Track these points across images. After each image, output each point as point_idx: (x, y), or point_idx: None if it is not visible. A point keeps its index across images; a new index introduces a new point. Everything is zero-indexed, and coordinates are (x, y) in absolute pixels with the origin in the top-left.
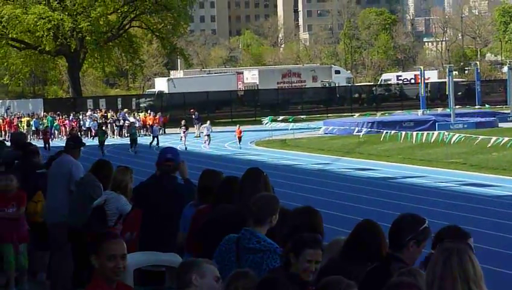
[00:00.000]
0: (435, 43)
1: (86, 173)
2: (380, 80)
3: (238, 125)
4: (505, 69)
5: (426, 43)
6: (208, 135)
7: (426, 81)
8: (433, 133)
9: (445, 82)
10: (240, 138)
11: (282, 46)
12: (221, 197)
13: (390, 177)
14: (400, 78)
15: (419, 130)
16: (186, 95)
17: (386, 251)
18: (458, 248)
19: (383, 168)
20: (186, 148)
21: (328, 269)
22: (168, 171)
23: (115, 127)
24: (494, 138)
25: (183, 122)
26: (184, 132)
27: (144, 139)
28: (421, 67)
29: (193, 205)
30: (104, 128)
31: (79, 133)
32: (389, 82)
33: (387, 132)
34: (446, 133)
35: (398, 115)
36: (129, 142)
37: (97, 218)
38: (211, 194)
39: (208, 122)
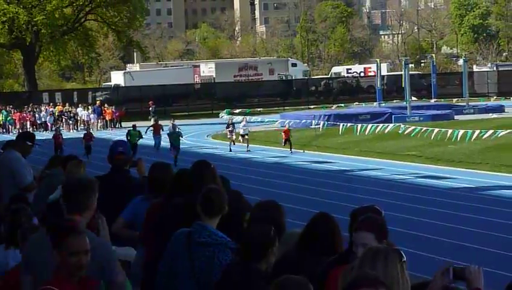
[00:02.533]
0: (391, 36)
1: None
2: (330, 73)
3: (287, 125)
4: (461, 61)
5: (382, 36)
6: (244, 136)
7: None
8: (388, 126)
9: (401, 74)
10: (286, 140)
11: (239, 39)
12: (174, 191)
13: (347, 170)
14: (349, 71)
15: (376, 123)
16: (143, 88)
17: (341, 244)
18: (386, 253)
19: (340, 161)
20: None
21: (284, 262)
22: (119, 165)
23: (70, 122)
24: (450, 131)
25: (229, 120)
26: (231, 132)
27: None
28: (377, 60)
29: (145, 198)
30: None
31: (34, 128)
32: (339, 75)
33: (343, 125)
34: (402, 126)
35: (355, 107)
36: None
37: (53, 213)
38: (161, 186)
39: (244, 119)
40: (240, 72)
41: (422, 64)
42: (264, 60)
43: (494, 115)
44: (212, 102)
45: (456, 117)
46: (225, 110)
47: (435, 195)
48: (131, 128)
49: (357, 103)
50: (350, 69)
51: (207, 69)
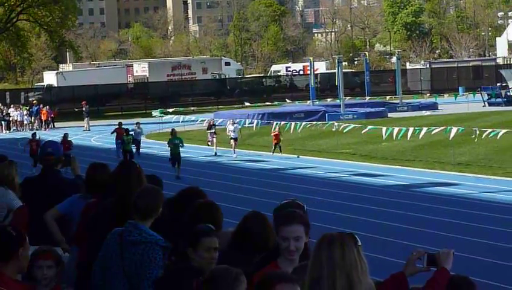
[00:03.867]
0: (324, 34)
1: None
2: (269, 71)
3: (276, 127)
4: (394, 59)
5: (316, 34)
6: (235, 139)
7: (316, 72)
8: (323, 124)
9: (335, 73)
10: (276, 144)
11: (172, 38)
12: (109, 191)
13: (281, 169)
14: (288, 69)
15: (310, 121)
16: (76, 88)
17: (274, 242)
18: (342, 238)
19: (274, 160)
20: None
21: (217, 260)
22: (49, 165)
23: (2, 123)
24: (383, 128)
25: (211, 121)
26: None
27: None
28: (311, 58)
29: (82, 197)
30: None
31: None
32: (279, 73)
33: (277, 123)
34: (336, 124)
35: (289, 106)
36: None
37: None
38: (97, 186)
39: (232, 121)
40: (173, 72)
41: (355, 62)
42: (197, 59)
43: (428, 113)
44: (145, 101)
45: (389, 115)
46: (158, 110)
47: (369, 193)
48: (124, 134)
49: (289, 101)
50: (289, 67)
51: (140, 69)
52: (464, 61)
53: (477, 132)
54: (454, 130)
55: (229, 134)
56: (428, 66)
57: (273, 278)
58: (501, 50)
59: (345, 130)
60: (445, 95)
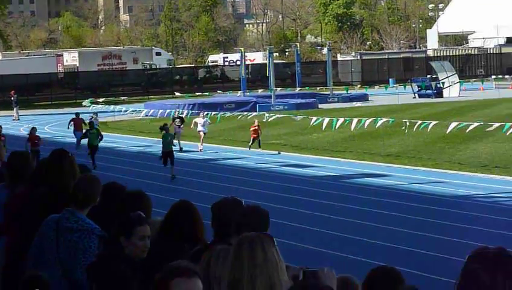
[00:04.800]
0: (255, 25)
1: None
2: (206, 61)
3: (255, 121)
4: (325, 50)
5: (247, 25)
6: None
7: (251, 62)
8: (253, 115)
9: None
10: (255, 139)
11: (103, 28)
12: (37, 180)
13: (212, 159)
14: (226, 59)
15: (241, 112)
16: (5, 77)
17: (202, 231)
18: (262, 239)
19: (204, 150)
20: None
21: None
22: None
23: None
24: (314, 119)
25: (176, 114)
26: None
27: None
28: (242, 49)
29: (4, 187)
30: None
31: None
32: (216, 63)
33: (207, 114)
34: (267, 115)
35: (220, 96)
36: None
37: None
38: (19, 175)
39: (203, 115)
40: (104, 61)
41: (286, 53)
42: (128, 48)
43: (358, 104)
44: (75, 91)
45: (320, 106)
46: (88, 100)
47: (299, 183)
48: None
49: (220, 91)
50: (227, 57)
51: (70, 58)
52: (395, 53)
53: (407, 124)
54: (382, 121)
55: (197, 128)
56: (359, 57)
57: (168, 274)
58: (431, 42)
59: (275, 121)
60: (375, 86)
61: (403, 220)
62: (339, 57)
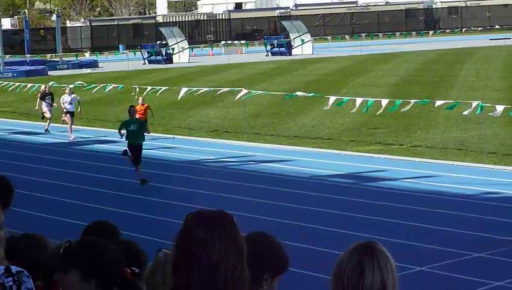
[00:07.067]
0: None
1: None
2: None
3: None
4: (54, 17)
5: None
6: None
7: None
8: None
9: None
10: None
11: None
12: None
13: None
14: None
15: None
16: None
17: None
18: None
19: None
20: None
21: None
22: None
23: None
24: (43, 86)
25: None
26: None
27: None
28: None
29: None
30: None
31: None
32: None
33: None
34: None
35: None
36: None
37: None
38: None
39: (69, 90)
40: None
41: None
42: None
43: (88, 70)
44: None
45: (50, 73)
46: None
47: (28, 150)
48: None
49: None
50: None
51: None
52: (124, 19)
53: (137, 90)
54: (112, 87)
55: (63, 106)
56: (88, 24)
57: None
58: (161, 9)
59: (5, 88)
60: (105, 53)
61: (121, 184)
62: (68, 24)
